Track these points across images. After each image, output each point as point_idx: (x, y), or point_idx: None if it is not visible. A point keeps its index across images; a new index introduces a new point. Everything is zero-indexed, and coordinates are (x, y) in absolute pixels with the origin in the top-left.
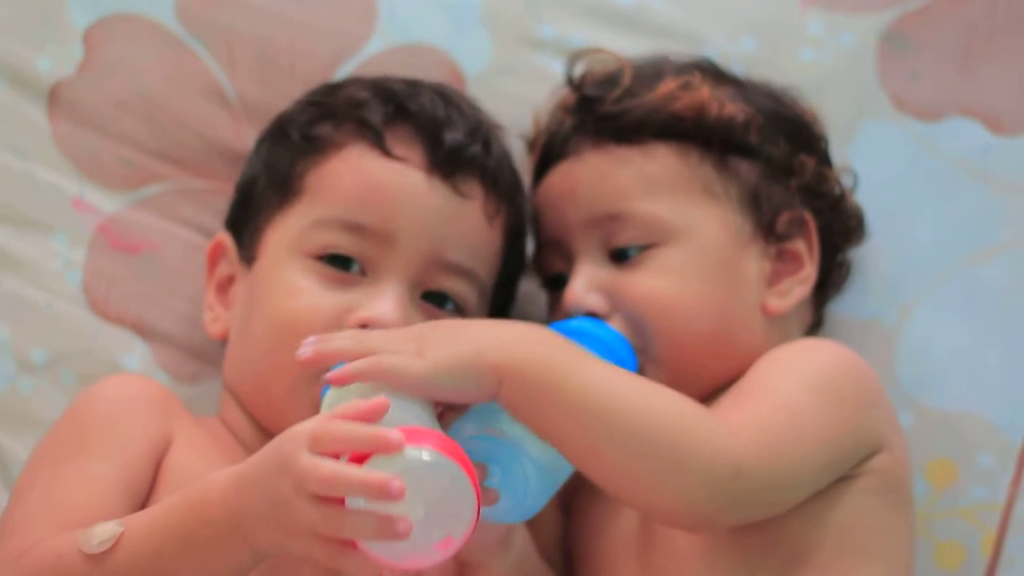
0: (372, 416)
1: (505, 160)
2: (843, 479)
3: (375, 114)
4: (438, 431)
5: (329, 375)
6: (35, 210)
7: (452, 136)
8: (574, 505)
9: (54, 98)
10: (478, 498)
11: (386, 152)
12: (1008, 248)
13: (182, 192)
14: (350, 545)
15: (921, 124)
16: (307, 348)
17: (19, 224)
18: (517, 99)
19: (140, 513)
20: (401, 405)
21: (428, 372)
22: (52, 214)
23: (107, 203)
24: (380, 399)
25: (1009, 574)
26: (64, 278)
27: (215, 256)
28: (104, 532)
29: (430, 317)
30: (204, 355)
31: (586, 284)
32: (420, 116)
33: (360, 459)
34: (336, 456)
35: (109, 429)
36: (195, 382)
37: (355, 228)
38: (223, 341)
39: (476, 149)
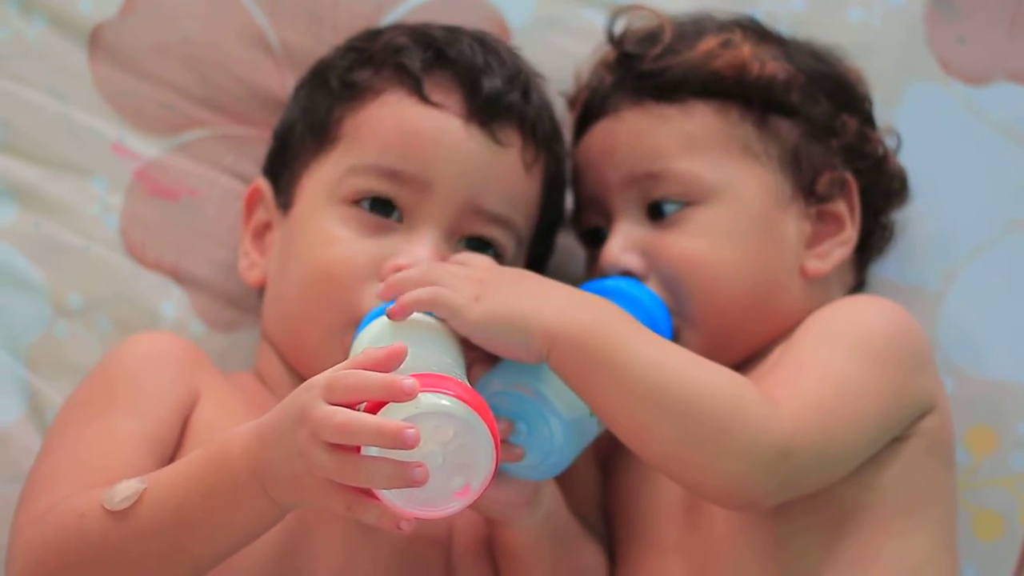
0: (388, 364)
1: (545, 108)
2: (894, 441)
3: (414, 60)
4: (457, 379)
5: (390, 308)
6: (74, 153)
7: (491, 83)
8: (613, 463)
9: (95, 40)
10: (496, 445)
11: (424, 98)
12: None
13: (222, 138)
14: (368, 495)
15: (968, 88)
16: (380, 288)
17: (57, 167)
18: (561, 52)
19: (163, 469)
20: (425, 353)
21: (480, 319)
22: (91, 158)
23: (146, 148)
24: (397, 345)
25: None
26: (102, 222)
27: (252, 202)
28: (127, 489)
29: None
30: (241, 303)
31: (623, 244)
32: (459, 63)
33: (377, 408)
34: (353, 405)
35: (137, 386)
36: (231, 330)
37: (392, 175)
38: (259, 289)
39: (515, 96)
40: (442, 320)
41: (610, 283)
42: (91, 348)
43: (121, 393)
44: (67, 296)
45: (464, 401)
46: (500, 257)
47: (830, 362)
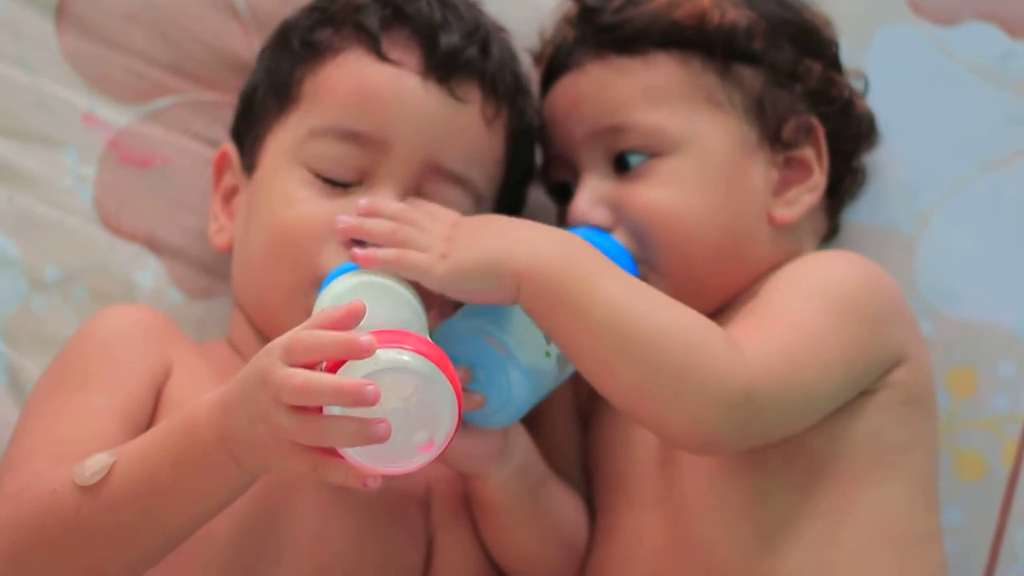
0: (346, 323)
1: (506, 63)
2: (864, 394)
3: (372, 18)
4: (416, 333)
5: (355, 252)
6: (44, 125)
7: (448, 39)
8: (593, 420)
9: (62, 11)
10: (458, 398)
11: (382, 56)
12: None
13: (193, 105)
14: (333, 454)
15: (938, 28)
16: (346, 219)
17: (28, 140)
18: (532, 5)
19: (132, 442)
20: (385, 310)
21: (449, 274)
22: (62, 129)
23: (117, 117)
24: (355, 304)
25: None
26: (75, 194)
27: (220, 166)
28: (96, 463)
29: None
30: (217, 270)
31: (590, 198)
32: (417, 19)
33: (337, 367)
34: (313, 366)
35: (109, 361)
36: (208, 298)
37: (350, 136)
38: (231, 253)
39: (473, 52)
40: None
41: (576, 235)
42: (68, 320)
43: (94, 368)
44: (43, 269)
45: (423, 355)
46: None
47: (798, 312)
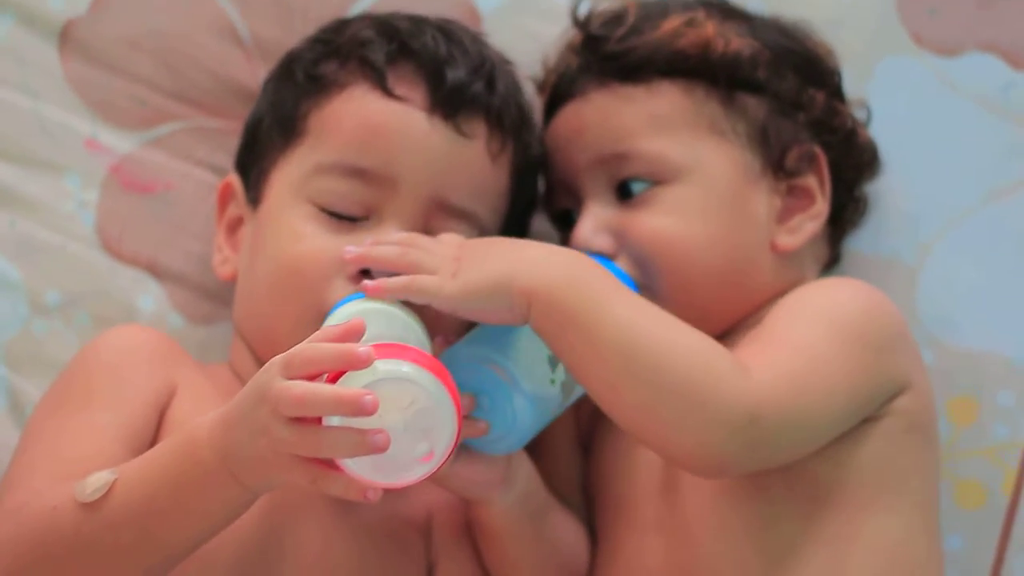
0: (346, 338)
1: (511, 97)
2: (868, 421)
3: (378, 53)
4: (416, 348)
5: (366, 284)
6: (47, 151)
7: (454, 74)
8: (595, 445)
9: (65, 37)
10: (458, 408)
11: (388, 92)
12: None
13: (196, 131)
14: (332, 467)
15: (940, 59)
16: (353, 249)
17: (31, 165)
18: (533, 36)
19: (133, 460)
20: (387, 331)
21: (459, 293)
22: (64, 154)
23: (120, 143)
24: (355, 320)
25: None
26: (77, 219)
27: (224, 198)
28: (97, 481)
29: None
30: (218, 296)
31: (593, 225)
32: (423, 54)
33: (336, 380)
34: (312, 380)
35: (113, 380)
36: (209, 323)
37: (356, 172)
38: (235, 282)
39: (479, 87)
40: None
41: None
42: (69, 345)
43: (98, 387)
44: (44, 293)
45: (422, 366)
46: None
47: (803, 337)
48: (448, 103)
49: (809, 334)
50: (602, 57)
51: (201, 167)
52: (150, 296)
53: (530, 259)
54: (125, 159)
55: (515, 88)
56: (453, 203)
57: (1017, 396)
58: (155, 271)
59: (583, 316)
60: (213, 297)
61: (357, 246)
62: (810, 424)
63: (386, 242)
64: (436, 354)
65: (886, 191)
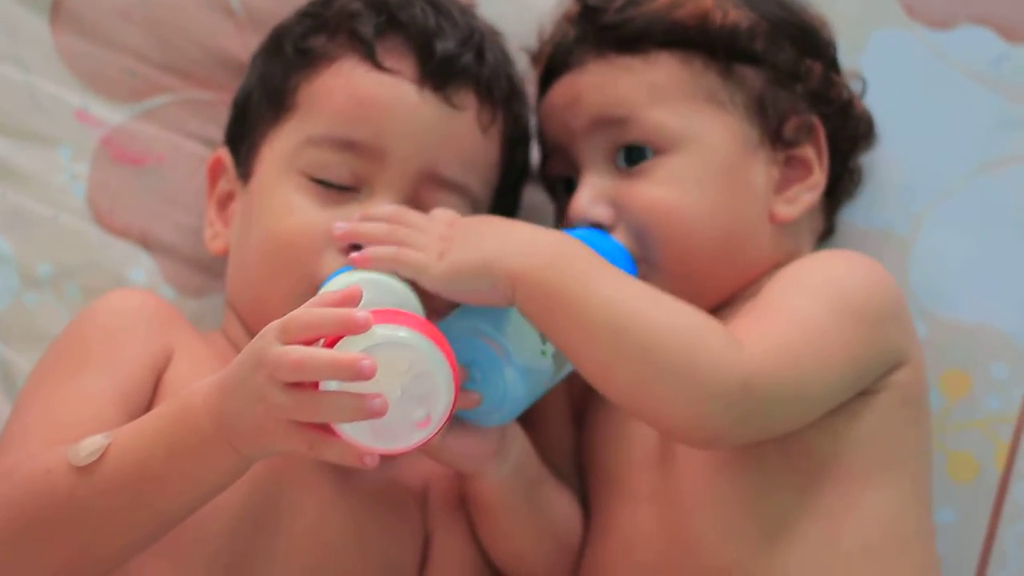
0: (344, 304)
1: (501, 68)
2: (864, 394)
3: (367, 26)
4: (413, 314)
5: (353, 255)
6: (38, 123)
7: (443, 46)
8: (587, 417)
9: (57, 9)
10: (455, 373)
11: (377, 65)
12: (1021, 157)
13: (187, 103)
14: (329, 433)
15: (933, 32)
16: (343, 225)
17: (22, 137)
18: (528, 7)
19: (128, 424)
20: (383, 300)
21: (445, 275)
22: (55, 127)
23: (111, 115)
24: (352, 287)
25: (1022, 485)
26: (68, 191)
27: (215, 172)
28: (92, 444)
29: None
30: (210, 268)
31: (591, 195)
32: (411, 26)
33: (333, 345)
34: (309, 345)
35: (109, 344)
36: (201, 296)
37: (346, 144)
38: (226, 257)
39: (468, 58)
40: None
41: (575, 234)
42: (61, 317)
43: (94, 350)
44: (36, 266)
45: (419, 331)
46: None
47: (799, 308)
48: (437, 75)
49: (805, 305)
50: (599, 28)
51: (192, 139)
52: (141, 268)
53: (516, 241)
54: (116, 131)
55: (505, 59)
56: (444, 175)
57: (1010, 368)
58: (146, 243)
59: (570, 297)
60: (204, 269)
61: (346, 221)
62: (804, 395)
63: (375, 218)
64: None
65: (878, 163)
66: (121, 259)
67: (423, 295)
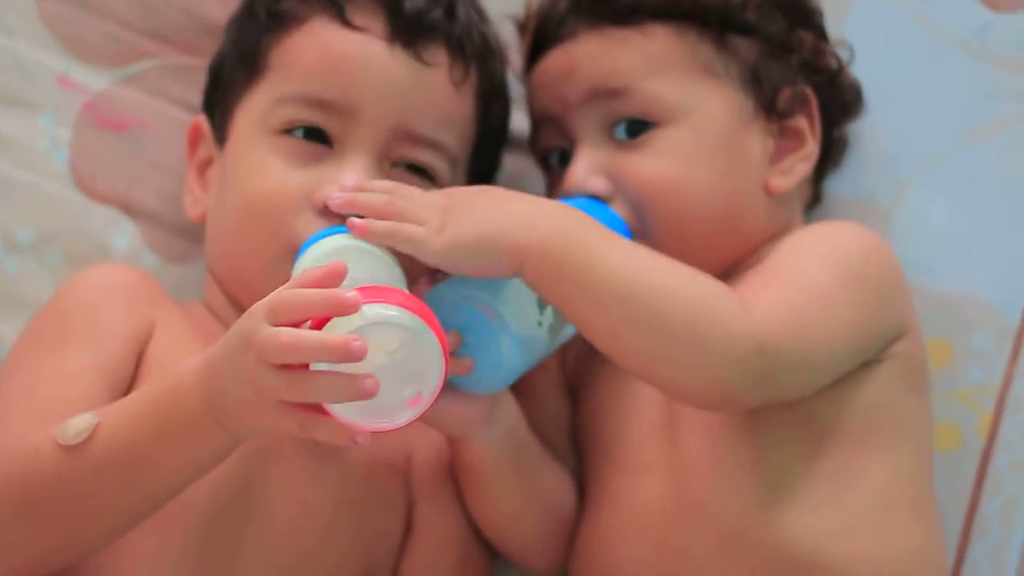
0: (329, 282)
1: (474, 23)
2: (869, 363)
3: None
4: (401, 289)
5: (352, 222)
6: (20, 88)
7: (412, 3)
8: (585, 388)
9: None
10: (445, 351)
11: (347, 23)
12: (1007, 126)
13: (170, 69)
14: (320, 412)
15: (917, 0)
16: (340, 197)
17: (4, 102)
18: None
19: (117, 403)
20: (365, 272)
21: (446, 248)
22: (37, 92)
23: (94, 80)
24: (336, 263)
25: (1005, 455)
26: (50, 157)
27: (194, 139)
28: (80, 423)
29: None
30: (193, 235)
31: (588, 166)
32: None
33: (322, 325)
34: (297, 325)
35: (90, 319)
36: (184, 262)
37: (318, 103)
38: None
39: (438, 14)
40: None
41: (572, 204)
42: (43, 283)
43: (75, 326)
44: (17, 232)
45: (408, 309)
46: (434, 181)
47: (807, 275)
48: (407, 31)
49: (813, 272)
50: (593, 0)
51: (175, 105)
52: (124, 235)
53: (519, 213)
54: (98, 96)
55: (478, 16)
56: (417, 132)
57: (993, 339)
58: (129, 209)
59: (578, 267)
60: (188, 236)
61: (342, 190)
62: (814, 359)
63: (373, 188)
64: (423, 293)
65: (862, 132)
66: (103, 225)
67: (402, 259)
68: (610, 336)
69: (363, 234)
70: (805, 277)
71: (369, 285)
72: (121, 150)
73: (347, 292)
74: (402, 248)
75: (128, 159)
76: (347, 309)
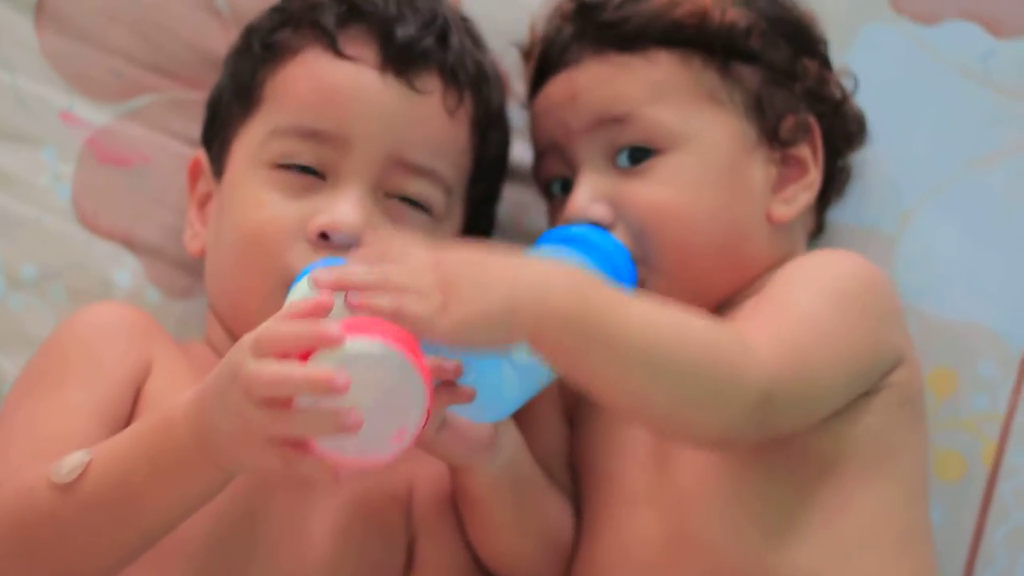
0: (316, 313)
1: (468, 51)
2: (866, 393)
3: (328, 16)
4: (385, 321)
5: (349, 301)
6: (23, 123)
7: (404, 31)
8: (580, 418)
9: (41, 9)
10: (428, 385)
11: (339, 53)
12: (1010, 154)
13: (172, 103)
14: (305, 448)
15: (920, 27)
16: (327, 274)
17: (6, 138)
18: (512, 3)
19: (109, 440)
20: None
21: (453, 329)
22: (40, 127)
23: (96, 115)
24: (323, 296)
25: (1010, 483)
26: (53, 192)
27: (194, 174)
28: (72, 461)
29: (396, 218)
30: (196, 270)
31: (590, 193)
32: (373, 14)
33: (307, 359)
34: (283, 359)
35: (89, 357)
36: (187, 297)
37: (311, 134)
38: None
39: (430, 42)
40: None
41: (574, 231)
42: (46, 319)
43: (73, 364)
44: (20, 267)
45: (393, 341)
46: (429, 211)
47: (806, 307)
48: (399, 60)
49: (812, 304)
50: (597, 25)
51: (178, 139)
52: (127, 270)
53: (526, 282)
54: (101, 132)
55: (474, 44)
56: (411, 160)
57: (998, 366)
58: (132, 245)
59: (598, 337)
60: (191, 271)
61: (333, 261)
62: (816, 396)
63: (361, 268)
64: None
65: (865, 160)
66: (106, 260)
67: None
68: (628, 396)
69: (365, 330)
70: (804, 309)
71: (355, 317)
72: (124, 185)
73: (331, 325)
74: (407, 327)
75: (131, 194)
76: (330, 342)
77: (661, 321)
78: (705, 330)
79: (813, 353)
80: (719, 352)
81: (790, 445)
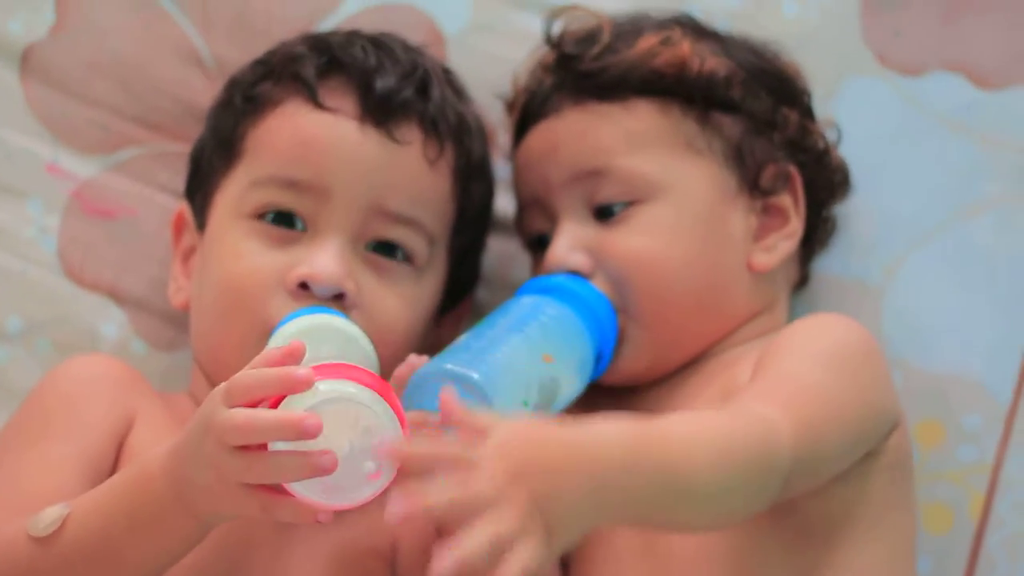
0: (288, 360)
1: (449, 101)
2: (862, 458)
3: (308, 68)
4: (356, 366)
5: (320, 367)
6: (8, 176)
7: (383, 82)
8: None
9: (26, 62)
10: (403, 424)
11: (318, 104)
12: (994, 204)
13: (158, 156)
14: (282, 493)
15: (905, 79)
16: (448, 562)
17: None
18: (497, 58)
19: (88, 493)
20: (333, 348)
21: (556, 553)
22: (26, 180)
23: (82, 168)
24: (294, 343)
25: (997, 535)
26: (39, 244)
27: (178, 228)
28: (50, 515)
29: (377, 268)
30: (182, 322)
31: (569, 243)
32: (352, 66)
33: (279, 404)
34: (255, 406)
35: (72, 411)
36: (173, 349)
37: (290, 184)
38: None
39: (409, 93)
40: (349, 319)
41: (555, 280)
42: (31, 371)
43: (56, 418)
44: (5, 320)
45: (364, 384)
46: (410, 259)
47: (810, 375)
48: (378, 110)
49: (815, 374)
50: (577, 75)
51: (163, 192)
52: (112, 322)
53: (607, 489)
54: (87, 184)
55: (455, 94)
56: (392, 209)
57: (984, 419)
58: (117, 297)
59: (673, 497)
60: (176, 323)
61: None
62: (823, 466)
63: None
64: (407, 374)
65: (850, 211)
66: (92, 313)
67: (374, 337)
68: (699, 527)
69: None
70: (809, 379)
71: (327, 362)
72: (109, 237)
73: (300, 369)
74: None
75: (116, 246)
76: (299, 386)
77: (719, 462)
78: (753, 437)
79: (822, 424)
80: (761, 454)
81: (785, 510)
